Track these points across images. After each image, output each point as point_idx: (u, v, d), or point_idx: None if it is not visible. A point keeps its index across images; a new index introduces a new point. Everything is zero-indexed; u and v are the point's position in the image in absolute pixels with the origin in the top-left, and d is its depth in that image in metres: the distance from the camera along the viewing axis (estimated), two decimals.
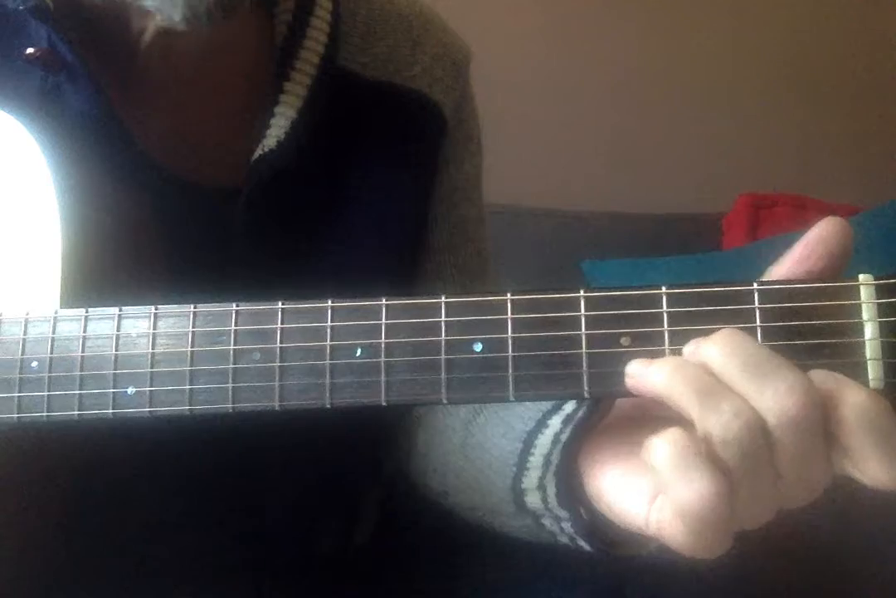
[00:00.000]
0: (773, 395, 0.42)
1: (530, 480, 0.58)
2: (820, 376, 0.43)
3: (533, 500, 0.58)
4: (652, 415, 0.49)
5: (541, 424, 0.58)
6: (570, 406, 0.56)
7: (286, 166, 0.67)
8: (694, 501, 0.42)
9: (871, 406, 0.42)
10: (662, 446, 0.42)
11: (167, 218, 0.62)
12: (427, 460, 0.72)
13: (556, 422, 0.56)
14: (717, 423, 0.42)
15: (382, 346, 0.48)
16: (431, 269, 0.77)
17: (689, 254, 2.00)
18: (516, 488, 0.59)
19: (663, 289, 0.46)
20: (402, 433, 0.77)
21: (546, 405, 0.60)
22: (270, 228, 0.68)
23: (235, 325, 0.50)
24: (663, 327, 0.45)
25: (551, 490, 0.55)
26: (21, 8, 0.62)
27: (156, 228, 0.62)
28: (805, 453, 0.42)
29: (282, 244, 0.68)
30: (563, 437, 0.54)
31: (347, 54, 0.73)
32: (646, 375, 0.44)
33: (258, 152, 0.67)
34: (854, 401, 0.42)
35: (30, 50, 0.63)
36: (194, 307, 0.51)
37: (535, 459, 0.57)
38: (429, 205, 0.77)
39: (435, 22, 0.80)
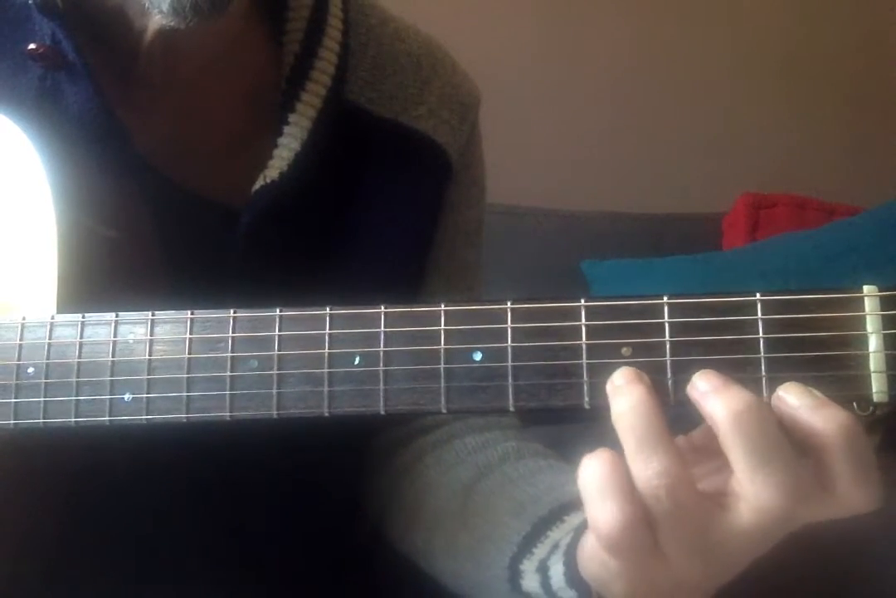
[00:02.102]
0: (762, 481, 0.43)
1: (531, 563, 0.58)
2: (798, 392, 0.43)
3: (530, 583, 0.58)
4: None
5: (555, 515, 0.60)
6: None
7: (288, 196, 0.67)
8: (602, 525, 0.44)
9: (852, 428, 0.42)
10: (589, 465, 0.44)
11: (165, 226, 0.62)
12: (414, 515, 0.72)
13: (575, 519, 0.58)
14: (642, 472, 0.43)
15: (381, 354, 0.48)
16: None
17: (689, 254, 1.99)
18: (513, 568, 0.60)
19: (665, 299, 0.45)
20: (382, 481, 0.76)
21: (562, 496, 0.61)
22: (269, 255, 0.67)
23: (233, 332, 0.50)
24: (665, 337, 0.45)
25: (557, 569, 0.55)
26: (30, 2, 0.61)
27: (154, 237, 0.61)
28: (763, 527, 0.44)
29: (280, 271, 0.67)
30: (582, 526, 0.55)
31: (355, 88, 0.73)
32: (610, 394, 0.45)
33: (260, 182, 0.66)
34: (837, 422, 0.42)
35: (32, 46, 0.62)
36: (191, 313, 0.51)
37: (543, 546, 0.58)
38: (429, 248, 0.76)
39: (444, 62, 0.79)
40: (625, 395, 0.44)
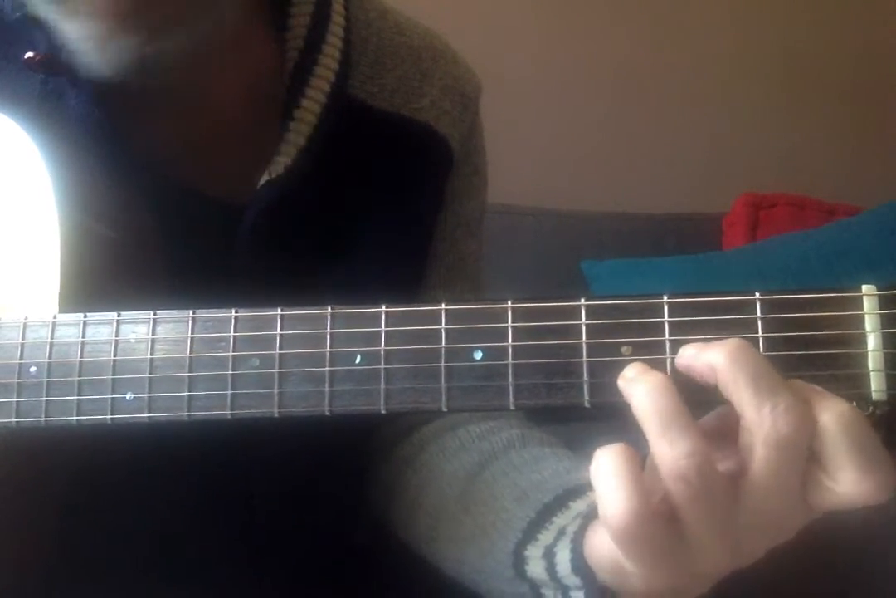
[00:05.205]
0: (769, 412, 0.42)
1: (536, 549, 0.58)
2: (798, 385, 0.43)
3: (535, 569, 0.58)
4: None
5: (560, 501, 0.59)
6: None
7: (292, 191, 0.67)
8: (613, 517, 0.43)
9: (851, 416, 0.42)
10: (602, 457, 0.44)
11: (168, 226, 0.62)
12: (418, 502, 0.71)
13: (580, 505, 0.57)
14: (668, 453, 0.42)
15: (382, 353, 0.48)
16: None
17: (689, 254, 2.00)
18: (518, 554, 0.59)
19: (665, 298, 0.45)
20: (385, 471, 0.76)
21: (566, 483, 0.61)
22: (274, 250, 0.68)
23: (234, 331, 0.50)
24: (664, 336, 0.45)
25: (563, 556, 0.54)
26: (17, 15, 0.62)
27: (157, 236, 0.62)
28: (781, 478, 0.43)
29: (284, 266, 0.68)
30: (589, 512, 0.55)
31: (357, 83, 0.73)
32: (625, 387, 0.45)
33: (265, 177, 0.67)
34: (835, 410, 0.42)
35: (29, 54, 0.63)
36: (193, 313, 0.51)
37: (548, 532, 0.58)
38: (431, 239, 0.77)
39: (445, 53, 0.80)
40: (643, 382, 0.44)
